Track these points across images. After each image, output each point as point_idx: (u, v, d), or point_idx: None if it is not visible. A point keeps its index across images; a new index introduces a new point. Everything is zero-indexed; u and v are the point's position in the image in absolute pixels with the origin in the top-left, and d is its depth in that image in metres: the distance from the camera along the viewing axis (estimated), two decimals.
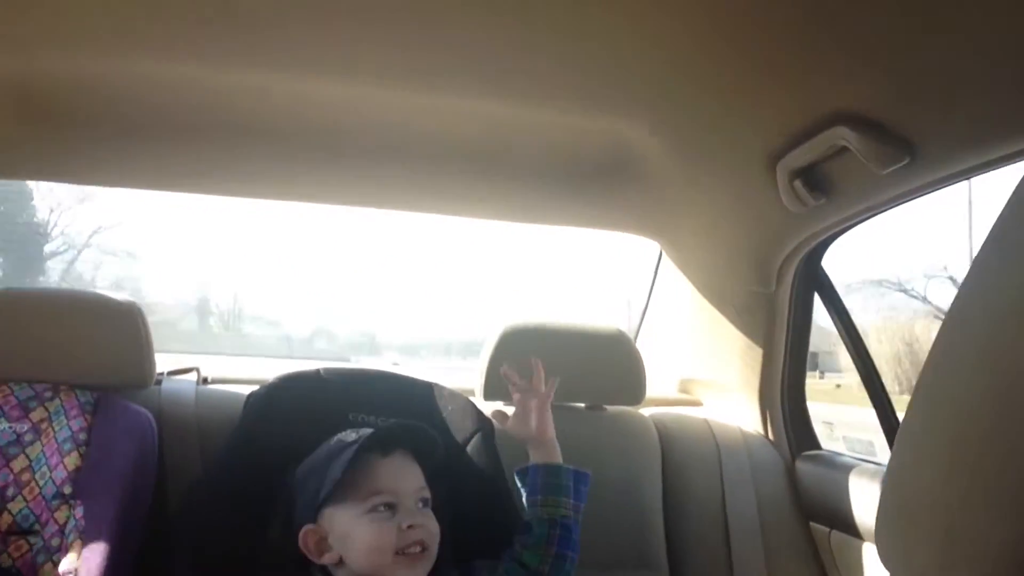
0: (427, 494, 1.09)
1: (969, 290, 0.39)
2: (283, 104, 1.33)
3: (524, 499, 1.20)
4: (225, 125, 1.39)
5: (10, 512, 1.17)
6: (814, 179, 1.25)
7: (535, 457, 1.21)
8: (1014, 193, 0.41)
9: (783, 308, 1.60)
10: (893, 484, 0.40)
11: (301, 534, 1.07)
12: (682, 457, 1.59)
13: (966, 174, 1.08)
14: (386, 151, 1.46)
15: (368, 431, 1.10)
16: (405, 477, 1.08)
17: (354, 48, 1.10)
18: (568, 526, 1.15)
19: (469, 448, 1.32)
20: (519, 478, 1.22)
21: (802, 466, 1.60)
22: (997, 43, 0.84)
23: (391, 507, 1.04)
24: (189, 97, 1.31)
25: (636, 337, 2.05)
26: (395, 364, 2.23)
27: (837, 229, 1.39)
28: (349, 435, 1.10)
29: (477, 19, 0.99)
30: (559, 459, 1.21)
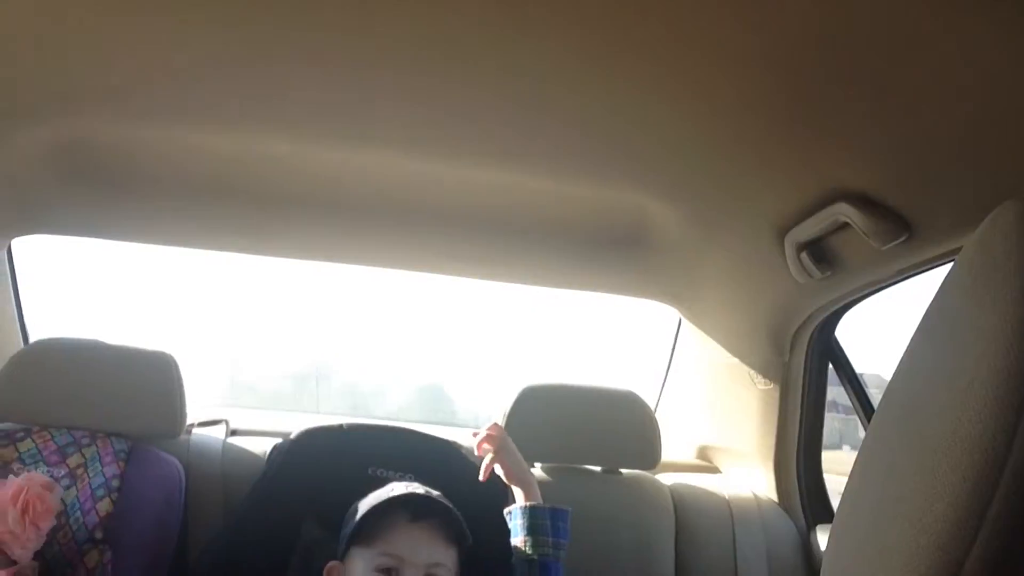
0: (440, 571, 1.09)
1: (896, 377, 0.44)
2: (319, 172, 1.42)
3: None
4: (261, 189, 1.47)
5: (43, 555, 1.22)
6: (820, 252, 1.28)
7: (517, 498, 1.26)
8: (938, 290, 0.45)
9: (797, 377, 1.61)
10: (829, 548, 0.43)
11: (326, 569, 1.12)
12: (696, 525, 1.59)
13: None
14: (413, 217, 1.54)
15: (420, 491, 1.13)
16: (419, 548, 1.08)
17: (384, 121, 1.18)
18: (547, 564, 1.17)
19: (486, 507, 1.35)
20: (508, 520, 1.26)
21: (818, 538, 1.59)
22: (986, 126, 0.88)
23: (393, 572, 1.07)
24: (224, 161, 1.40)
25: (658, 402, 2.07)
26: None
27: (846, 301, 1.42)
28: (399, 488, 1.14)
29: (498, 96, 1.06)
30: (538, 496, 1.25)
